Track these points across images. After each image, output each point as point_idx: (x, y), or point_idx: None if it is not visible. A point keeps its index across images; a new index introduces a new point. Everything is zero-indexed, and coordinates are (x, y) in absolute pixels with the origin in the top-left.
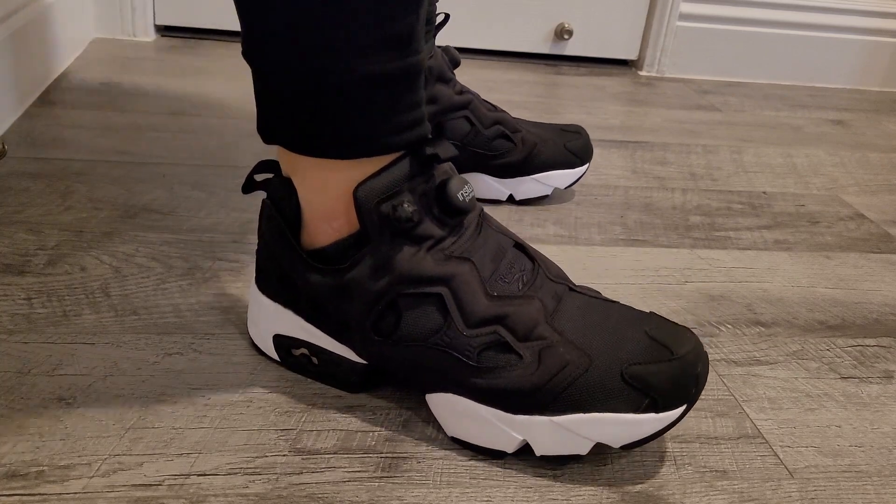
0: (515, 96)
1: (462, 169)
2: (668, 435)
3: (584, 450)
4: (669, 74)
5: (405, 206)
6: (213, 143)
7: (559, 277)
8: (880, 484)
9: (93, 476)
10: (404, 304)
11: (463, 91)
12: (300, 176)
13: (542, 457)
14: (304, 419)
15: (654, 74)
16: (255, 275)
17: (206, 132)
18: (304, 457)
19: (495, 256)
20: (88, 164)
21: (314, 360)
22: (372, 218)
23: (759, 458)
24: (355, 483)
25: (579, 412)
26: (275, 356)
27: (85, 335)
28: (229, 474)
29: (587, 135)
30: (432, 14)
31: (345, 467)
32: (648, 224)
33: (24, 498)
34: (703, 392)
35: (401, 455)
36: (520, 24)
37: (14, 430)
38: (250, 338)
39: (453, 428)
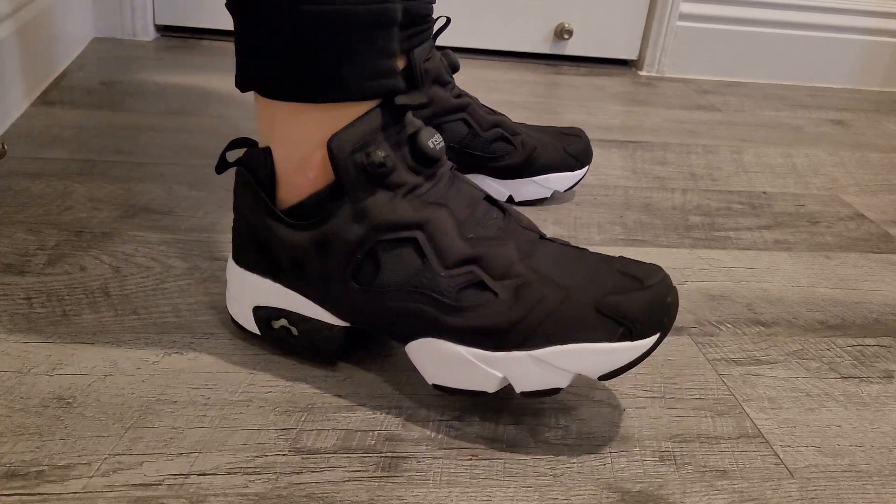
0: (515, 96)
1: (461, 171)
2: (668, 435)
3: (563, 382)
4: (669, 74)
5: (378, 152)
6: (213, 142)
7: (530, 227)
8: (880, 484)
9: (93, 476)
10: (382, 250)
11: (461, 94)
12: (276, 128)
13: (524, 394)
14: (304, 419)
15: (654, 74)
16: (231, 252)
17: (206, 132)
18: (304, 456)
19: (469, 204)
20: (88, 164)
21: (293, 330)
22: (347, 167)
23: (759, 457)
24: (355, 483)
25: (557, 344)
26: (255, 330)
27: (85, 335)
28: (229, 474)
29: (587, 138)
30: (429, 12)
31: (345, 467)
32: (648, 224)
33: (24, 498)
34: (702, 387)
35: (401, 455)
36: (520, 24)
37: (14, 430)
38: (231, 317)
39: (434, 374)
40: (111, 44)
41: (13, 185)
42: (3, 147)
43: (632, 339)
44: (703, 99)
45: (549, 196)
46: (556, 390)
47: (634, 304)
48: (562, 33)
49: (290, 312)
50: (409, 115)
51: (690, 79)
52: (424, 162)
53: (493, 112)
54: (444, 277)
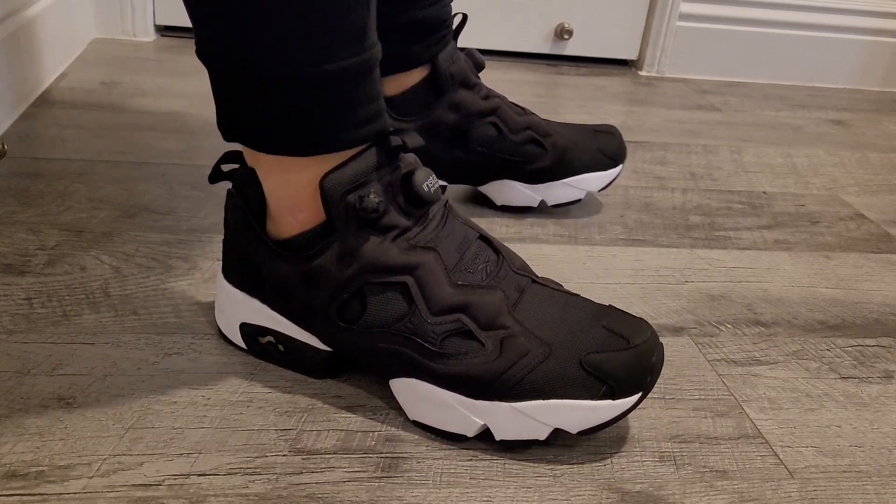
0: (515, 96)
1: (491, 176)
2: (668, 435)
3: (542, 435)
4: (669, 74)
5: (371, 196)
6: (213, 143)
7: (522, 269)
8: (880, 484)
9: (93, 476)
10: (370, 292)
11: (490, 95)
12: (263, 170)
13: (502, 441)
14: (304, 419)
15: (654, 74)
16: (221, 264)
17: (206, 132)
18: (304, 457)
19: (460, 247)
20: (88, 164)
21: (280, 347)
22: (338, 209)
23: (759, 458)
24: (355, 483)
25: (539, 399)
26: (242, 344)
27: (85, 335)
28: (229, 474)
29: (620, 135)
30: (448, 16)
31: (345, 467)
32: (648, 224)
33: (24, 498)
34: (702, 388)
35: (401, 455)
36: (520, 24)
37: (14, 430)
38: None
39: (415, 412)
40: (111, 44)
41: (13, 185)
42: (3, 147)
43: (613, 398)
44: (703, 99)
45: (582, 198)
46: (535, 441)
47: (618, 363)
48: (562, 33)
49: (277, 332)
50: (404, 154)
51: (690, 79)
52: (418, 204)
53: (524, 112)
54: (431, 324)
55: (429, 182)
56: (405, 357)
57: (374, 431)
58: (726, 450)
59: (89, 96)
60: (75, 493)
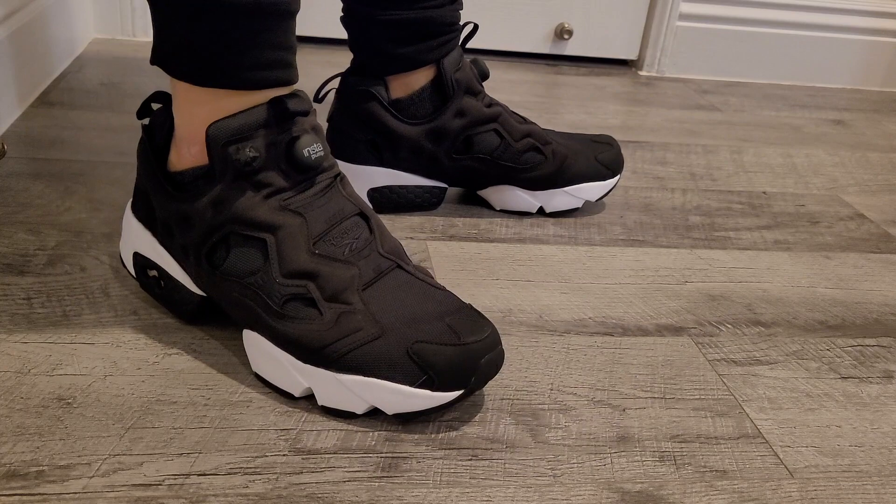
0: (515, 96)
1: (491, 181)
2: (668, 435)
3: (359, 409)
4: (669, 74)
5: (247, 150)
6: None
7: (391, 253)
8: (880, 484)
9: (93, 476)
10: (234, 242)
11: (492, 104)
12: (175, 98)
13: (324, 407)
14: (304, 419)
15: (654, 74)
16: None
17: None
18: (304, 457)
19: (331, 218)
20: (88, 165)
21: (161, 283)
22: (219, 156)
23: (759, 458)
24: (355, 483)
25: (360, 375)
26: (132, 272)
27: (85, 335)
28: (229, 474)
29: (618, 146)
30: (457, 20)
31: (345, 467)
32: (648, 224)
33: (24, 498)
34: (702, 388)
35: (401, 455)
36: (520, 24)
37: (14, 430)
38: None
39: (255, 364)
40: (111, 44)
41: (13, 185)
42: (3, 147)
43: (432, 389)
44: (703, 99)
45: (580, 206)
46: (354, 414)
47: (442, 357)
48: (562, 33)
49: (160, 267)
50: (302, 119)
51: (690, 79)
52: (299, 169)
53: (524, 121)
54: (278, 284)
55: (311, 149)
56: (252, 310)
57: (374, 431)
58: (726, 450)
59: (89, 96)
60: (75, 493)
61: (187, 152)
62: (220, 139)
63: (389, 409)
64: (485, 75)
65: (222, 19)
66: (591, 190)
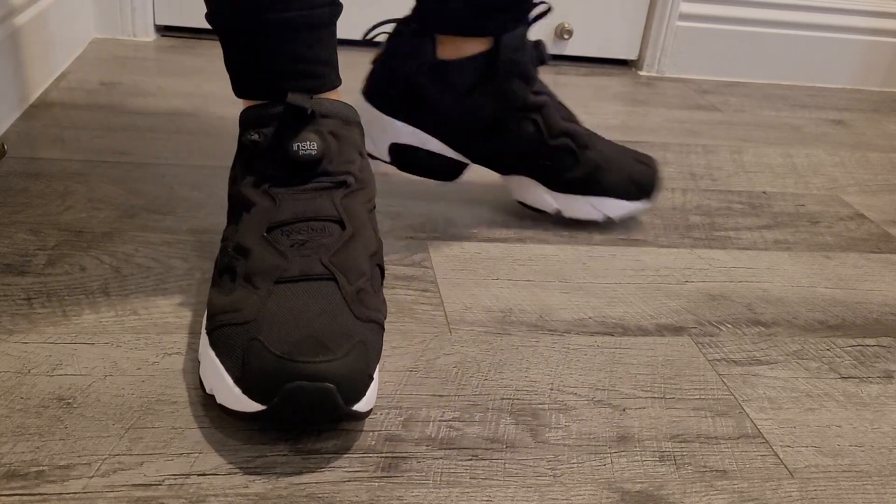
0: None
1: (516, 171)
2: (668, 435)
3: (207, 389)
4: (669, 74)
5: (252, 135)
6: (213, 143)
7: (339, 268)
8: (880, 484)
9: (93, 476)
10: (230, 214)
11: (541, 92)
12: None
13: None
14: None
15: (654, 74)
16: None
17: (206, 132)
18: (304, 457)
19: (300, 214)
20: (88, 165)
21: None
22: (239, 137)
23: (759, 458)
24: (355, 483)
25: (215, 353)
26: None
27: (85, 335)
28: (229, 474)
29: (657, 169)
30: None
31: (345, 467)
32: (648, 224)
33: (24, 498)
34: (702, 388)
35: (401, 455)
36: None
37: (14, 430)
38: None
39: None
40: (111, 44)
41: (13, 185)
42: (4, 147)
43: (242, 390)
44: (703, 99)
45: (600, 220)
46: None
47: (257, 360)
48: (562, 33)
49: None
50: (323, 121)
51: (690, 79)
52: (291, 162)
53: (569, 118)
54: (228, 254)
55: (303, 146)
56: None
57: (374, 431)
58: (726, 449)
59: (89, 96)
60: (75, 493)
61: None
62: (244, 123)
63: (217, 398)
64: (542, 60)
65: (249, 42)
66: (615, 206)
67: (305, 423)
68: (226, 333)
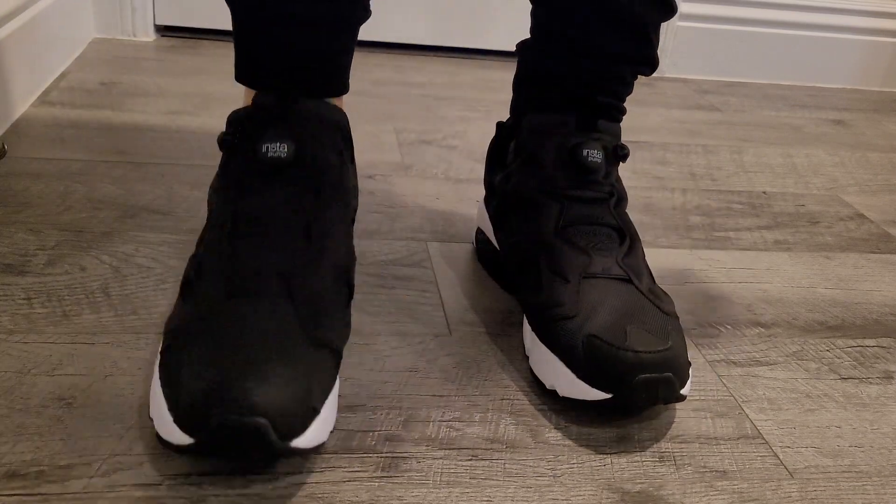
0: None
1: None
2: (668, 435)
3: None
4: (669, 74)
5: (226, 133)
6: (213, 143)
7: (291, 283)
8: (880, 484)
9: (93, 476)
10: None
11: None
12: None
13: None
14: None
15: (654, 74)
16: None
17: (206, 132)
18: (304, 457)
19: (241, 214)
20: (88, 165)
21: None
22: (223, 138)
23: (759, 458)
24: (355, 483)
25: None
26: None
27: (85, 335)
28: (229, 474)
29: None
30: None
31: (345, 467)
32: (648, 224)
33: (24, 498)
34: (702, 388)
35: (401, 455)
36: (520, 24)
37: (14, 430)
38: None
39: None
40: (111, 44)
41: (13, 185)
42: (4, 147)
43: (175, 421)
44: (703, 99)
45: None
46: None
47: (189, 394)
48: None
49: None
50: (300, 119)
51: (690, 79)
52: (260, 163)
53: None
54: (192, 256)
55: (271, 146)
56: None
57: (374, 431)
58: (726, 450)
59: (89, 96)
60: (75, 493)
61: None
62: (228, 121)
63: (155, 425)
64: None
65: (254, 29)
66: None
67: (241, 460)
68: (165, 336)
